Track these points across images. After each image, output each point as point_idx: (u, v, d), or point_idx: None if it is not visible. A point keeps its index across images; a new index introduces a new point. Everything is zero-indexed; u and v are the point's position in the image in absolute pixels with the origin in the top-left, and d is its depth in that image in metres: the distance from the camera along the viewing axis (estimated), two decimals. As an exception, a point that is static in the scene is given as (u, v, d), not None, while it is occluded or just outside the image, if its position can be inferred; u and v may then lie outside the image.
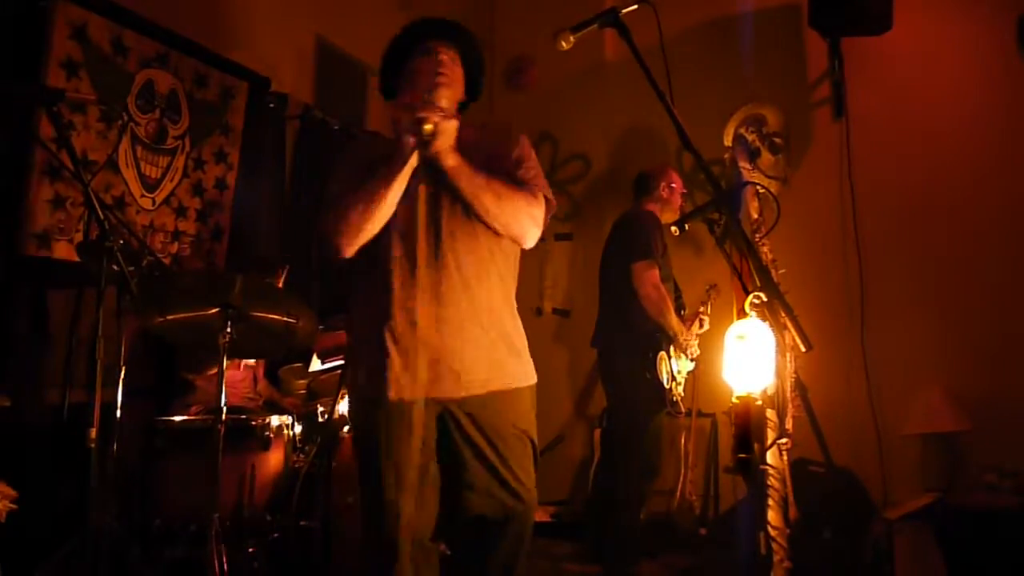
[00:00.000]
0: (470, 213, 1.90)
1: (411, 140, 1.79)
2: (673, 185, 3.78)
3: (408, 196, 1.88)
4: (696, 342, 3.64)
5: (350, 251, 1.87)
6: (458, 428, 1.90)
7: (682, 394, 3.57)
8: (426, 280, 1.87)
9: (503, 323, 1.97)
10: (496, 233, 1.93)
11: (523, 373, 2.01)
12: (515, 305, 2.05)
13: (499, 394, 1.93)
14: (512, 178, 1.96)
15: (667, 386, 3.43)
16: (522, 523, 1.97)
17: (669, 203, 3.75)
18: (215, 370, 2.92)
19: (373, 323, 1.90)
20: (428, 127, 1.76)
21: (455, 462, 1.92)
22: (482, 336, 1.92)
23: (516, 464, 1.94)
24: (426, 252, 1.89)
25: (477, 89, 2.11)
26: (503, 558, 1.97)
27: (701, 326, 3.69)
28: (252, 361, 3.45)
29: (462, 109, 2.07)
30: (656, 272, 3.45)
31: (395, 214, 1.88)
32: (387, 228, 1.89)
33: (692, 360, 3.63)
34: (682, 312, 3.69)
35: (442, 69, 1.96)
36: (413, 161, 1.83)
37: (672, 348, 3.48)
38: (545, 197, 1.99)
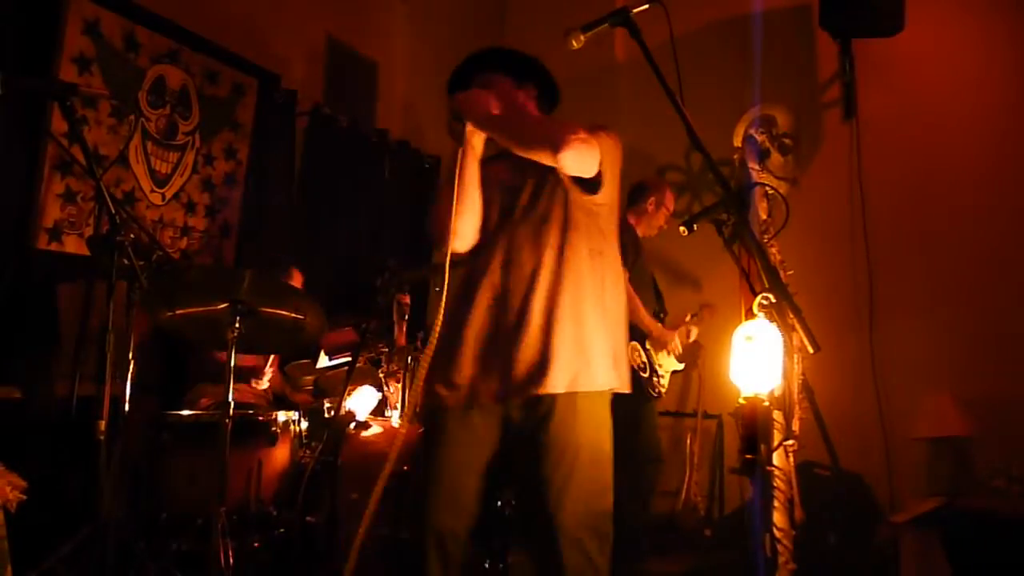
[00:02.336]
0: None
1: (457, 125, 1.95)
2: (663, 202, 3.79)
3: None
4: (678, 342, 3.74)
5: (445, 245, 1.90)
6: None
7: (665, 386, 3.70)
8: None
9: None
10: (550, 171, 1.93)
11: None
12: None
13: None
14: None
15: (644, 375, 3.51)
16: None
17: (653, 218, 3.78)
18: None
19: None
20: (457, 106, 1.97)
21: None
22: None
23: None
24: None
25: (553, 96, 2.19)
26: None
27: (688, 337, 3.83)
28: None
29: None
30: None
31: None
32: None
33: (681, 362, 3.78)
34: (661, 315, 3.79)
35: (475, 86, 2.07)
36: (477, 146, 1.96)
37: (648, 342, 3.61)
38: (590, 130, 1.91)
